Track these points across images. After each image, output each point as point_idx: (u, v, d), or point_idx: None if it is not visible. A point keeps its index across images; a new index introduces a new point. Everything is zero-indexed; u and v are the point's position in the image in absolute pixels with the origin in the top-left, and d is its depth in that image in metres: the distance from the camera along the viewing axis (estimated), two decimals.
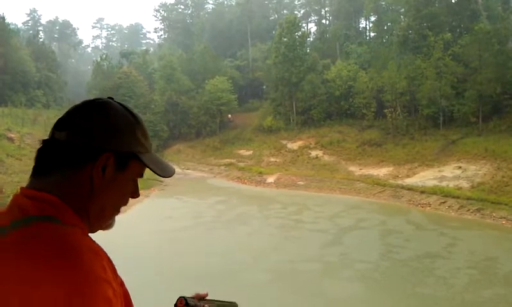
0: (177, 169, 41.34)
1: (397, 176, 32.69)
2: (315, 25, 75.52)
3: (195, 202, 29.04)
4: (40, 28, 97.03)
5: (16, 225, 0.99)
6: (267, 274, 15.68)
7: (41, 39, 78.54)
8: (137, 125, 1.16)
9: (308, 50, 54.95)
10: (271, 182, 36.44)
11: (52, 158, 1.09)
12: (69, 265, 0.93)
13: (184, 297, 1.29)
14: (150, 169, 1.19)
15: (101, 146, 1.09)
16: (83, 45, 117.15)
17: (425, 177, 30.99)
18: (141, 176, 1.20)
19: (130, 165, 1.15)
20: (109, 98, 1.18)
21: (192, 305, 1.29)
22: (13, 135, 33.92)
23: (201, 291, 1.36)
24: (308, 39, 62.29)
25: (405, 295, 14.03)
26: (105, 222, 1.18)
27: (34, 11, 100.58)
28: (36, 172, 1.10)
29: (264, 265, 16.72)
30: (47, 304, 0.89)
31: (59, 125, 1.11)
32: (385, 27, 55.13)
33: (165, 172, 1.21)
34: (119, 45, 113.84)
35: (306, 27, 70.77)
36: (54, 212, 1.02)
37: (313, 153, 41.71)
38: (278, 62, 50.05)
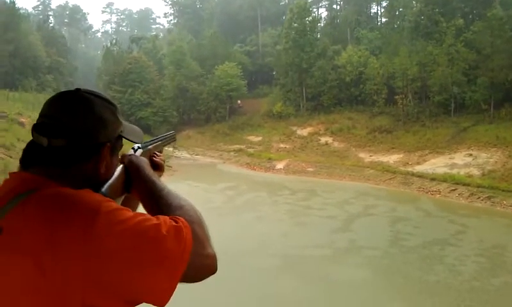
0: (186, 155, 41.78)
1: (407, 163, 32.56)
2: (326, 10, 74.72)
3: (204, 187, 29.12)
4: (50, 13, 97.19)
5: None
6: (275, 259, 15.77)
7: (51, 25, 78.74)
8: (115, 109, 1.22)
9: (318, 36, 54.59)
10: (280, 168, 36.47)
11: (51, 159, 1.11)
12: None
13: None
14: (131, 141, 1.33)
15: (101, 142, 1.16)
16: (93, 30, 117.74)
17: (436, 164, 30.84)
18: (122, 147, 1.29)
19: (118, 145, 1.25)
20: (76, 89, 1.20)
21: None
22: (23, 120, 33.95)
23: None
24: (319, 24, 61.58)
25: (412, 282, 14.04)
26: None
27: None
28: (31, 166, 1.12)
29: (272, 250, 16.79)
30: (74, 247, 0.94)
31: (47, 131, 1.11)
32: (397, 13, 54.29)
33: (140, 138, 1.37)
34: (129, 30, 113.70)
35: (316, 12, 69.97)
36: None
37: (323, 140, 41.61)
38: (288, 48, 49.72)
